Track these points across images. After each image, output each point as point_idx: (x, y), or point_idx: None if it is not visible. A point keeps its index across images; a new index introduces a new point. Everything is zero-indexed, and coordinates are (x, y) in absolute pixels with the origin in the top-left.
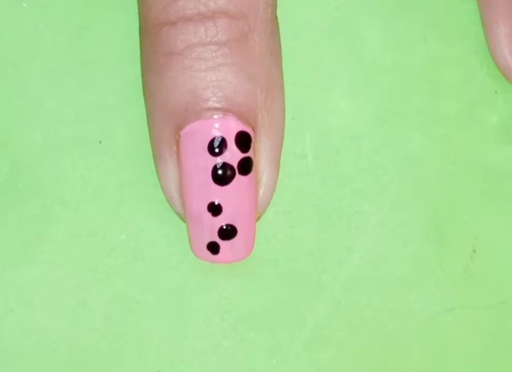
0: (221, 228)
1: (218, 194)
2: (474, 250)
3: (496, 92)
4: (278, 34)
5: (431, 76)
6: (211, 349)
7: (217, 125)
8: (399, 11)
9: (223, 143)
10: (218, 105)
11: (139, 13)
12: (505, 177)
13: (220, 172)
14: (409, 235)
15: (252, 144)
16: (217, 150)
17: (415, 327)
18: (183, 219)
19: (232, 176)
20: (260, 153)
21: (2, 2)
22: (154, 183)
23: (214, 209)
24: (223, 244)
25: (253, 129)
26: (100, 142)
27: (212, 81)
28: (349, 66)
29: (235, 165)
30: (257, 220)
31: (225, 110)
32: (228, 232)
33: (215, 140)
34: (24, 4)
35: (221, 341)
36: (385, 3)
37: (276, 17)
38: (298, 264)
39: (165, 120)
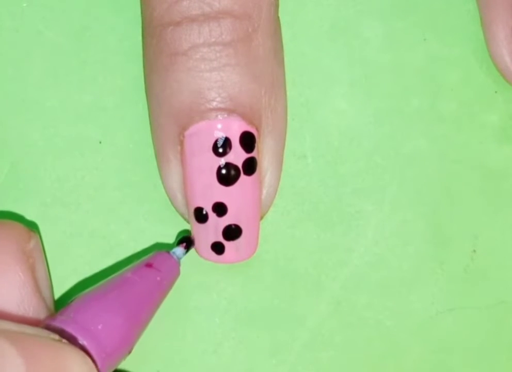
0: (226, 228)
1: (223, 194)
2: (474, 250)
3: (496, 92)
4: (281, 34)
5: (431, 76)
6: (211, 349)
7: (221, 125)
8: (399, 11)
9: (227, 144)
10: (222, 106)
11: (142, 13)
12: (505, 177)
13: (224, 172)
14: (409, 235)
15: (256, 145)
16: (221, 150)
17: (415, 327)
18: (186, 220)
19: (237, 176)
20: (264, 153)
21: (2, 2)
22: (154, 183)
23: (219, 209)
24: (227, 244)
25: (257, 129)
26: (100, 142)
27: (217, 82)
28: (349, 66)
29: (240, 165)
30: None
31: (229, 111)
32: (233, 232)
33: (219, 140)
34: (24, 4)
35: (221, 341)
36: (385, 3)
37: (278, 17)
38: (298, 264)
39: (169, 121)
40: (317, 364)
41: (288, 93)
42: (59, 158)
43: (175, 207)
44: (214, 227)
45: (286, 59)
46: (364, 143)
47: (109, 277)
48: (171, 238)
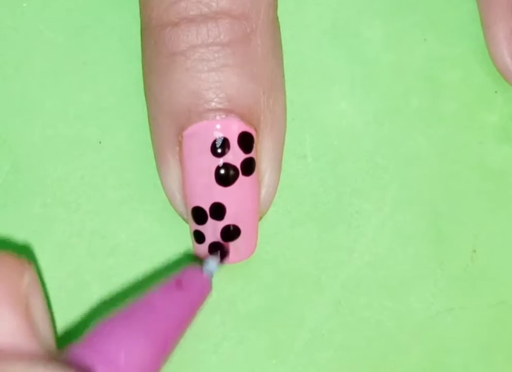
0: (225, 228)
1: (221, 195)
2: (474, 250)
3: (496, 92)
4: (279, 34)
5: (431, 76)
6: (211, 349)
7: (219, 126)
8: (399, 11)
9: (225, 144)
10: (220, 106)
11: (140, 14)
12: (505, 177)
13: (223, 173)
14: (409, 235)
15: (254, 145)
16: (219, 151)
17: (415, 327)
18: (185, 220)
19: (235, 177)
20: (263, 153)
21: (2, 2)
22: (154, 183)
23: (218, 210)
24: (226, 244)
25: (256, 130)
26: (100, 142)
27: (215, 82)
28: (349, 66)
29: (238, 166)
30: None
31: (228, 111)
32: (231, 233)
33: (218, 141)
34: (24, 4)
35: (221, 341)
36: (385, 3)
37: (277, 17)
38: (298, 264)
39: (168, 121)
40: (317, 364)
41: (288, 93)
42: (59, 158)
43: (174, 207)
44: (213, 227)
45: (286, 59)
46: (364, 143)
47: (135, 298)
48: (171, 239)
